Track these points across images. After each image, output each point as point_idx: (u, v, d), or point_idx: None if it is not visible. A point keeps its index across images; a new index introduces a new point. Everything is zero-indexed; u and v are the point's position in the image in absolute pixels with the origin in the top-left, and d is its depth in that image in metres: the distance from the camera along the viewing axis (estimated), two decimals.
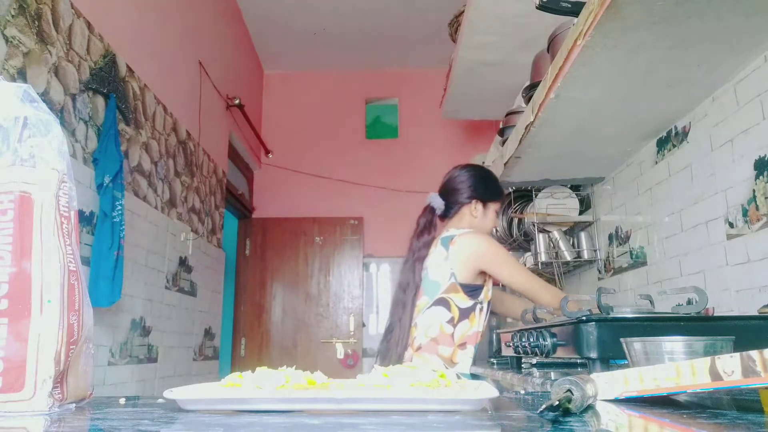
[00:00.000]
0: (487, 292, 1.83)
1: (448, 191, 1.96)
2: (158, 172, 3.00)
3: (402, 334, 1.83)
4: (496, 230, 3.26)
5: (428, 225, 1.95)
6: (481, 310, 1.82)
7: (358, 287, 4.99)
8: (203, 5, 3.81)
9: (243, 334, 4.97)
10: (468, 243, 1.80)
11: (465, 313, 1.80)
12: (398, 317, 1.85)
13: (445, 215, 1.94)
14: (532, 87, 2.04)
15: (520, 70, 2.71)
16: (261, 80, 5.50)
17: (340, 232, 5.01)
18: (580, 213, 2.75)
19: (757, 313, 1.40)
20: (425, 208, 2.00)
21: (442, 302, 1.80)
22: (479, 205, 1.88)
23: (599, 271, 2.63)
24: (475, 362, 1.85)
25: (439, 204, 1.96)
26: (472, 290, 1.80)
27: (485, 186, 1.92)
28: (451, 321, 1.79)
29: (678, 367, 0.64)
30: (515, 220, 3.07)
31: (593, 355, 1.12)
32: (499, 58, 3.07)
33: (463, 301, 1.80)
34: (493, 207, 1.90)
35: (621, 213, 2.42)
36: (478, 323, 1.80)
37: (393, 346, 1.82)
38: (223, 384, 0.72)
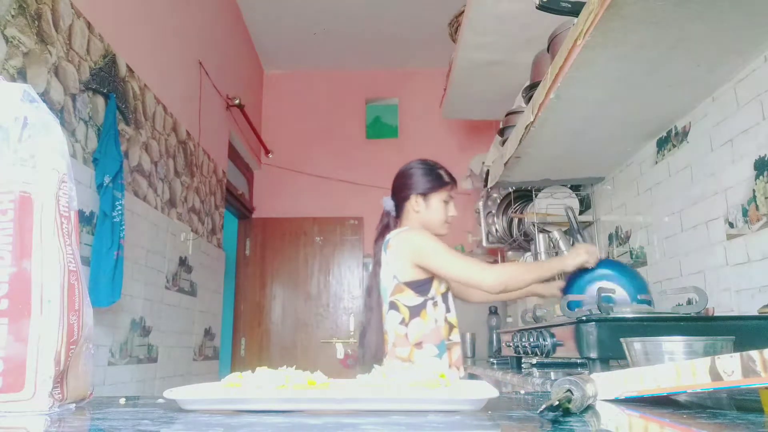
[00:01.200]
0: (438, 286, 1.77)
1: (394, 192, 1.91)
2: (158, 172, 3.00)
3: (373, 337, 1.81)
4: (496, 230, 3.26)
5: (384, 228, 1.91)
6: (434, 304, 1.76)
7: (358, 287, 4.99)
8: (203, 5, 3.81)
9: (243, 334, 4.97)
10: (400, 240, 1.78)
11: (415, 311, 1.75)
12: (368, 320, 1.85)
13: (397, 216, 1.90)
14: (532, 87, 2.04)
15: (520, 70, 2.71)
16: (261, 80, 5.50)
17: (340, 232, 5.01)
18: (580, 213, 2.75)
19: (757, 313, 1.40)
20: (382, 212, 1.96)
21: (392, 305, 1.78)
22: (419, 199, 1.82)
23: None
24: (476, 362, 1.85)
25: (390, 206, 1.92)
26: (419, 286, 1.75)
27: (421, 178, 1.84)
28: (402, 322, 1.75)
29: (678, 367, 0.64)
30: (515, 220, 3.07)
31: (593, 355, 1.12)
32: (499, 58, 3.07)
33: (411, 298, 1.75)
34: (437, 197, 1.82)
35: (621, 213, 2.42)
36: (432, 319, 1.74)
37: (366, 350, 1.81)
38: (223, 384, 0.72)
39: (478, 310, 3.63)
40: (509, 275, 1.62)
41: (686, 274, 1.91)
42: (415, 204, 1.83)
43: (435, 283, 1.77)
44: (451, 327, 1.79)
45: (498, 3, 2.55)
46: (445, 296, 1.79)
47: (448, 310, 1.79)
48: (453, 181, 1.88)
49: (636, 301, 1.57)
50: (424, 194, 1.82)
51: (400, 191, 1.87)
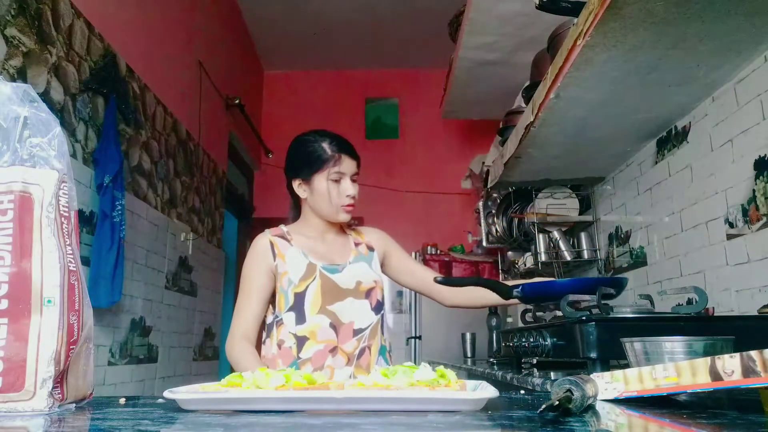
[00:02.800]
0: (281, 301, 1.47)
1: (285, 173, 1.61)
2: (158, 172, 3.00)
3: None
4: (496, 230, 3.26)
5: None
6: (279, 324, 1.48)
7: None
8: (203, 5, 3.81)
9: None
10: None
11: (268, 330, 1.52)
12: None
13: (294, 201, 1.62)
14: (532, 87, 2.04)
15: (520, 70, 2.71)
16: (261, 80, 5.50)
17: None
18: (580, 213, 2.75)
19: (757, 313, 1.40)
20: None
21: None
22: (302, 184, 1.52)
23: (599, 271, 2.63)
24: (475, 362, 1.83)
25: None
26: (273, 300, 1.53)
27: (295, 159, 1.55)
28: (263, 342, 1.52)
29: (678, 367, 0.64)
30: (515, 220, 3.07)
31: (593, 355, 1.12)
32: (499, 58, 3.07)
33: (269, 316, 1.53)
34: (320, 177, 1.48)
35: (621, 213, 2.42)
36: (274, 343, 1.48)
37: None
38: (223, 384, 0.72)
39: (478, 310, 3.63)
40: (235, 363, 1.41)
41: (686, 274, 1.91)
42: (299, 189, 1.53)
43: (280, 297, 1.48)
44: (301, 341, 1.44)
45: (498, 3, 2.55)
46: (296, 307, 1.46)
47: (299, 321, 1.45)
48: (344, 153, 1.50)
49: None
50: (305, 177, 1.51)
51: (287, 173, 1.58)
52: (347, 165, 1.50)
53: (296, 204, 1.60)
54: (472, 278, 3.52)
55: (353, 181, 1.52)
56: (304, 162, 1.52)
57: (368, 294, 1.51)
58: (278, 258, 1.48)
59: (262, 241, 1.52)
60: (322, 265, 1.48)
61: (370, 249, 1.60)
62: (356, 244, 1.59)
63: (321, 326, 1.43)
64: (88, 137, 2.28)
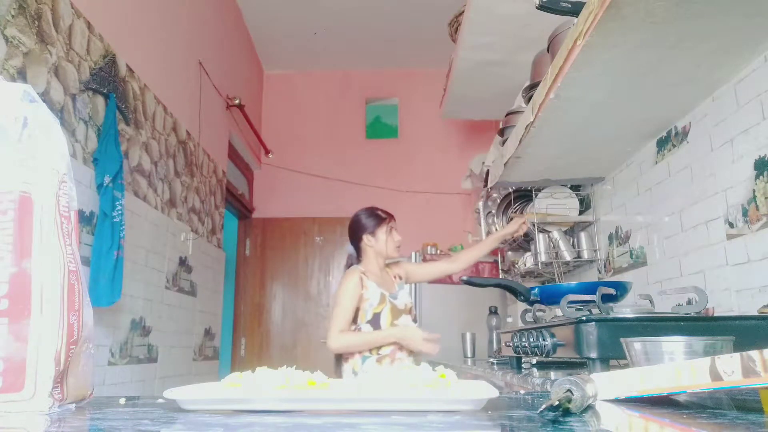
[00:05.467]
0: (362, 316, 2.25)
1: (351, 238, 2.41)
2: (158, 172, 3.00)
3: None
4: (496, 230, 3.25)
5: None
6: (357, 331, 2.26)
7: None
8: (203, 5, 3.81)
9: (243, 334, 4.97)
10: None
11: None
12: None
13: (358, 256, 2.38)
14: (532, 87, 2.04)
15: (520, 70, 2.71)
16: (261, 80, 5.50)
17: (340, 232, 5.01)
18: (580, 213, 2.75)
19: (757, 313, 1.40)
20: (347, 256, 2.49)
21: None
22: (369, 237, 2.32)
23: (599, 271, 2.63)
24: (476, 362, 1.86)
25: (351, 250, 2.43)
26: (355, 314, 2.28)
27: (365, 222, 2.35)
28: None
29: (678, 367, 0.64)
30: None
31: (593, 355, 1.12)
32: (499, 58, 3.07)
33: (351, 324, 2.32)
34: (381, 231, 2.32)
35: (621, 213, 2.42)
36: None
37: None
38: (223, 384, 0.72)
39: (478, 310, 3.63)
40: (349, 345, 2.18)
41: (686, 274, 1.91)
42: (369, 241, 2.32)
43: (362, 314, 2.25)
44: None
45: (498, 3, 2.55)
46: (373, 321, 2.22)
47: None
48: (389, 215, 2.38)
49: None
50: (372, 232, 2.32)
51: (355, 235, 2.36)
52: (393, 222, 2.38)
53: (357, 255, 2.38)
54: (494, 279, 3.54)
55: (396, 230, 2.37)
56: (370, 224, 2.34)
57: (410, 311, 2.30)
58: (364, 288, 2.23)
59: (356, 275, 2.25)
60: (388, 294, 2.25)
61: (400, 278, 2.39)
62: (394, 277, 2.39)
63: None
64: (88, 137, 2.28)
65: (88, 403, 0.77)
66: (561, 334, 1.32)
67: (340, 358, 2.30)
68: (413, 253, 4.16)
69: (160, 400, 0.79)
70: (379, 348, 2.20)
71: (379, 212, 2.37)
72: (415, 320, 2.31)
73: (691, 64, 1.55)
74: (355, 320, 2.24)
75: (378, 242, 2.32)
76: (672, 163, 2.01)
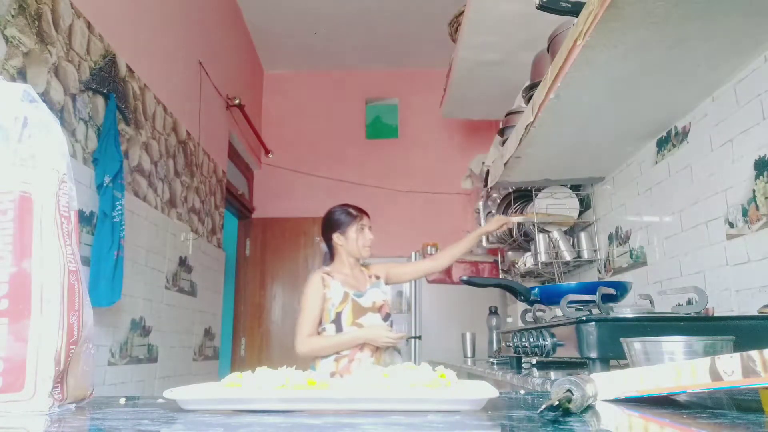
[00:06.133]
0: (326, 316, 2.21)
1: (323, 236, 2.37)
2: (158, 172, 3.00)
3: None
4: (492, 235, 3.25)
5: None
6: (322, 333, 2.23)
7: None
8: (203, 5, 3.81)
9: (243, 334, 4.97)
10: None
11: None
12: None
13: (331, 254, 2.36)
14: (532, 87, 2.04)
15: (520, 70, 2.71)
16: (261, 80, 5.50)
17: None
18: (580, 213, 2.75)
19: (757, 313, 1.40)
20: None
21: None
22: (339, 236, 2.28)
23: (599, 271, 2.63)
24: (476, 362, 1.86)
25: (325, 248, 2.42)
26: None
27: (335, 220, 2.31)
28: None
29: (678, 367, 0.64)
30: None
31: (593, 355, 1.12)
32: (499, 58, 3.07)
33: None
34: (351, 230, 2.27)
35: (621, 213, 2.42)
36: None
37: None
38: (223, 384, 0.72)
39: (478, 310, 3.63)
40: (317, 348, 2.13)
41: (686, 274, 1.91)
42: (338, 240, 2.28)
43: (325, 315, 2.21)
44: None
45: (498, 3, 2.55)
46: (336, 321, 2.18)
47: (338, 330, 2.19)
48: (361, 213, 2.32)
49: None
50: (341, 231, 2.27)
51: (325, 233, 2.32)
52: (366, 220, 2.32)
53: (330, 253, 2.34)
54: (494, 279, 3.54)
55: (370, 229, 2.31)
56: (340, 222, 2.29)
57: (380, 309, 2.23)
58: (326, 288, 2.19)
59: (318, 277, 2.22)
60: (352, 293, 2.20)
61: (377, 278, 2.34)
62: (369, 276, 2.32)
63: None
64: (88, 137, 2.28)
65: (88, 403, 0.77)
66: (561, 334, 1.32)
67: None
68: (413, 253, 4.16)
69: (160, 400, 0.79)
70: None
71: (351, 210, 2.32)
72: (387, 317, 2.24)
73: (691, 64, 1.55)
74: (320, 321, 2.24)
75: (348, 241, 2.27)
76: (672, 163, 2.01)
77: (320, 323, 2.20)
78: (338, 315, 2.17)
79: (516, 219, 2.59)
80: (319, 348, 2.14)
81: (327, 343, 2.13)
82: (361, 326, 2.15)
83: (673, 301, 1.85)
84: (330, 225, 2.31)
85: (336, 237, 2.28)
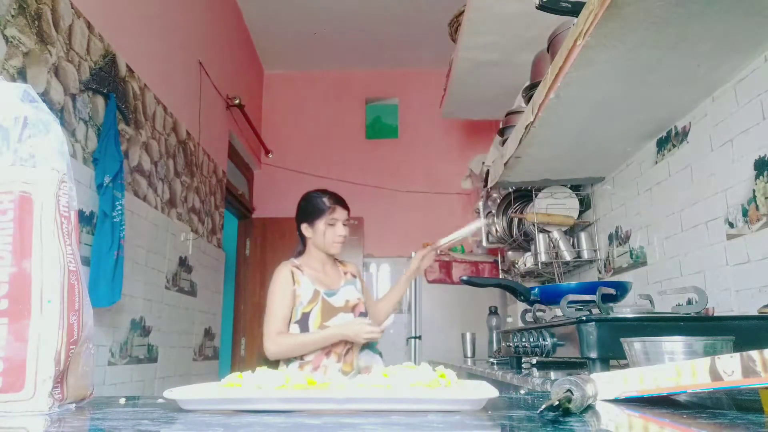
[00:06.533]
0: (294, 315, 2.01)
1: (296, 221, 2.16)
2: (158, 172, 3.00)
3: None
4: (496, 230, 3.26)
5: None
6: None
7: None
8: (203, 5, 3.81)
9: (243, 334, 4.97)
10: None
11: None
12: None
13: (303, 243, 2.15)
14: (532, 87, 2.04)
15: (520, 70, 2.71)
16: (261, 80, 5.50)
17: None
18: (580, 213, 2.75)
19: (757, 313, 1.40)
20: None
21: None
22: (307, 227, 2.08)
23: (599, 271, 2.63)
24: (476, 362, 1.86)
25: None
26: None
27: (304, 209, 2.10)
28: None
29: (678, 367, 0.64)
30: (515, 220, 3.07)
31: (593, 355, 1.12)
32: (499, 58, 3.07)
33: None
34: (320, 222, 2.05)
35: (621, 213, 2.42)
36: None
37: None
38: (223, 384, 0.72)
39: (478, 309, 3.63)
40: (290, 348, 1.91)
41: (686, 274, 1.91)
42: (306, 231, 2.09)
43: (293, 313, 2.00)
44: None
45: (498, 3, 2.55)
46: (301, 321, 1.97)
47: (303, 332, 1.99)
48: (337, 204, 2.07)
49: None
50: (309, 222, 2.07)
51: (297, 220, 2.13)
52: (339, 213, 2.07)
53: (303, 243, 2.13)
54: (494, 279, 3.54)
55: (344, 224, 2.07)
56: (309, 212, 2.07)
57: (353, 309, 2.03)
58: (296, 284, 2.00)
59: (286, 270, 2.04)
60: (323, 291, 2.00)
61: (354, 276, 2.15)
62: (344, 273, 2.14)
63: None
64: (88, 137, 2.28)
65: (88, 403, 0.77)
66: (561, 334, 1.32)
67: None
68: (413, 253, 4.15)
69: (160, 400, 0.79)
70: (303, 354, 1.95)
71: (325, 199, 2.07)
72: (361, 315, 2.03)
73: (691, 64, 1.55)
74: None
75: (316, 234, 2.05)
76: (672, 163, 2.01)
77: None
78: (305, 315, 1.96)
79: (443, 241, 2.25)
80: (291, 347, 1.91)
81: (301, 341, 1.91)
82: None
83: (673, 301, 1.85)
84: (300, 212, 2.11)
85: (304, 228, 2.08)
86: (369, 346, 2.02)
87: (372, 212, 5.10)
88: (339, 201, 2.09)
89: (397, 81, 5.48)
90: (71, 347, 0.70)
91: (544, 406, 0.56)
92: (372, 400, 0.64)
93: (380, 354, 2.09)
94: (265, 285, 5.12)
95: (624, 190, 2.39)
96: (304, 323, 1.95)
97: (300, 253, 2.13)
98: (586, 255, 2.66)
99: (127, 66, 2.66)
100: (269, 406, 0.65)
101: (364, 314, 2.03)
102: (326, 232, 2.04)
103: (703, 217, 1.81)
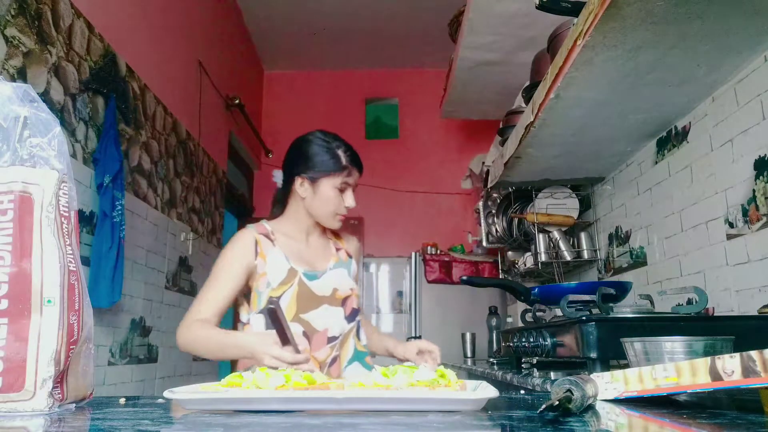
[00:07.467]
0: (254, 301, 1.45)
1: (284, 165, 1.55)
2: (158, 172, 3.00)
3: None
4: (496, 230, 3.26)
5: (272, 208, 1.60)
6: (245, 327, 1.48)
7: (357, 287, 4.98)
8: (203, 5, 3.81)
9: None
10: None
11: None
12: None
13: (285, 195, 1.56)
14: (532, 87, 2.04)
15: (520, 70, 2.71)
16: (261, 80, 5.50)
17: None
18: (580, 213, 2.75)
19: (757, 313, 1.40)
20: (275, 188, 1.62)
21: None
22: (306, 183, 1.48)
23: (599, 271, 2.63)
24: (476, 362, 1.83)
25: (279, 180, 1.57)
26: (248, 298, 1.48)
27: (311, 157, 1.49)
28: None
29: (678, 367, 0.64)
30: (515, 220, 3.07)
31: (593, 355, 1.12)
32: (499, 58, 3.07)
33: (245, 314, 1.49)
34: (328, 183, 1.47)
35: (621, 213, 2.42)
36: None
37: None
38: (223, 384, 0.72)
39: (478, 309, 3.63)
40: (192, 342, 1.37)
41: (686, 274, 1.91)
42: (300, 187, 1.49)
43: (253, 297, 1.45)
44: None
45: (498, 3, 2.55)
46: (262, 315, 1.43)
47: (269, 326, 1.33)
48: (355, 166, 1.51)
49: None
50: (312, 178, 1.47)
51: (288, 168, 1.53)
52: (355, 177, 1.52)
53: (283, 199, 1.56)
54: (494, 279, 3.53)
55: (354, 190, 1.54)
56: (315, 163, 1.48)
57: (344, 302, 1.51)
58: (259, 257, 1.44)
59: (247, 237, 1.46)
60: (303, 271, 1.46)
61: (349, 256, 1.62)
62: (337, 249, 1.60)
63: (295, 334, 1.27)
64: (88, 137, 2.27)
65: (88, 403, 0.77)
66: (561, 334, 1.32)
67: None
68: (413, 254, 4.16)
69: (160, 400, 0.79)
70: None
71: (340, 154, 1.50)
72: (352, 316, 1.53)
73: (691, 64, 1.55)
74: (249, 300, 1.47)
75: (317, 197, 1.48)
76: (672, 163, 2.01)
77: (243, 311, 1.49)
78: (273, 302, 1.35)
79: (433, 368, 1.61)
80: (198, 342, 1.36)
81: (205, 338, 1.36)
82: (307, 323, 1.43)
83: (673, 301, 1.85)
84: (298, 160, 1.51)
85: (299, 183, 1.49)
86: (358, 357, 1.52)
87: (372, 212, 5.10)
88: (357, 161, 1.53)
89: (397, 81, 5.48)
90: (71, 347, 0.70)
91: (544, 406, 0.56)
92: (372, 400, 0.64)
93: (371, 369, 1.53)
94: None
95: (624, 190, 2.39)
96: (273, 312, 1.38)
97: (275, 216, 1.57)
98: (586, 255, 2.66)
99: (127, 66, 2.66)
100: (269, 406, 0.65)
101: (356, 312, 1.54)
102: (332, 199, 1.48)
103: (703, 217, 1.81)
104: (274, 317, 1.15)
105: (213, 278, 1.43)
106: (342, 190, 1.49)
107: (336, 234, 1.64)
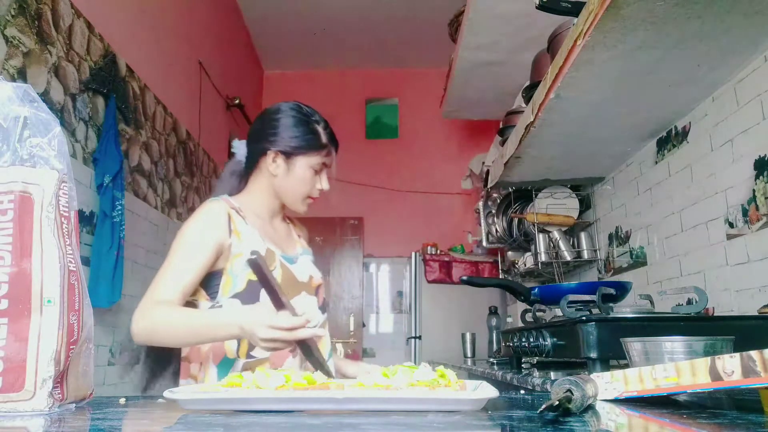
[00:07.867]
0: (227, 285, 1.23)
1: (250, 137, 1.37)
2: (158, 172, 3.00)
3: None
4: (496, 230, 3.26)
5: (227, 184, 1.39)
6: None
7: (357, 287, 4.98)
8: (203, 5, 3.81)
9: None
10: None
11: None
12: None
13: (248, 169, 1.37)
14: (532, 87, 2.04)
15: (520, 70, 2.71)
16: (261, 80, 5.50)
17: (340, 232, 5.01)
18: (580, 213, 2.75)
19: (757, 313, 1.40)
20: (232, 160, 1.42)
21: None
22: (279, 158, 1.30)
23: (599, 271, 2.63)
24: (476, 362, 1.83)
25: (242, 154, 1.38)
26: (210, 283, 1.24)
27: (287, 130, 1.31)
28: None
29: (678, 367, 0.64)
30: (515, 220, 3.07)
31: (593, 355, 1.12)
32: (499, 58, 3.07)
33: (204, 303, 1.25)
34: (304, 161, 1.30)
35: (621, 213, 2.42)
36: None
37: None
38: (223, 384, 0.72)
39: (478, 309, 3.63)
40: (160, 327, 1.12)
41: (686, 274, 1.91)
42: (272, 163, 1.30)
43: (224, 281, 1.23)
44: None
45: (498, 3, 2.55)
46: (246, 295, 1.22)
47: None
48: (334, 145, 1.35)
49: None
50: (287, 153, 1.29)
51: (257, 140, 1.34)
52: (332, 158, 1.37)
53: (246, 174, 1.37)
54: (494, 279, 3.53)
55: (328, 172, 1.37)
56: (292, 138, 1.30)
57: (317, 291, 1.38)
58: (234, 235, 1.23)
59: (220, 208, 1.25)
60: (281, 254, 1.30)
61: (308, 246, 1.50)
62: (298, 236, 1.48)
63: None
64: (88, 137, 2.27)
65: (88, 403, 0.77)
66: (561, 334, 1.32)
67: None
68: (413, 254, 4.16)
69: (160, 400, 0.79)
70: (246, 349, 1.23)
71: (319, 129, 1.32)
72: (325, 304, 1.42)
73: (691, 64, 1.55)
74: (215, 288, 1.23)
75: (290, 175, 1.30)
76: (672, 163, 2.01)
77: (200, 299, 1.24)
78: (253, 285, 1.19)
79: None
80: (163, 328, 1.11)
81: (180, 320, 1.11)
82: (293, 310, 1.09)
83: (673, 301, 1.85)
84: (271, 131, 1.31)
85: (271, 158, 1.30)
86: (331, 355, 1.38)
87: (372, 212, 5.10)
88: (335, 140, 1.37)
89: (397, 81, 5.48)
90: (71, 347, 0.70)
91: (544, 406, 0.56)
92: (372, 400, 0.64)
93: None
94: None
95: (624, 190, 2.39)
96: (251, 297, 1.20)
97: (236, 190, 1.37)
98: (586, 255, 2.66)
99: (127, 66, 2.66)
100: (269, 406, 0.65)
101: (326, 304, 1.43)
102: (308, 180, 1.31)
103: (703, 217, 1.81)
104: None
105: (176, 253, 1.19)
106: (317, 171, 1.33)
107: (291, 220, 1.50)
